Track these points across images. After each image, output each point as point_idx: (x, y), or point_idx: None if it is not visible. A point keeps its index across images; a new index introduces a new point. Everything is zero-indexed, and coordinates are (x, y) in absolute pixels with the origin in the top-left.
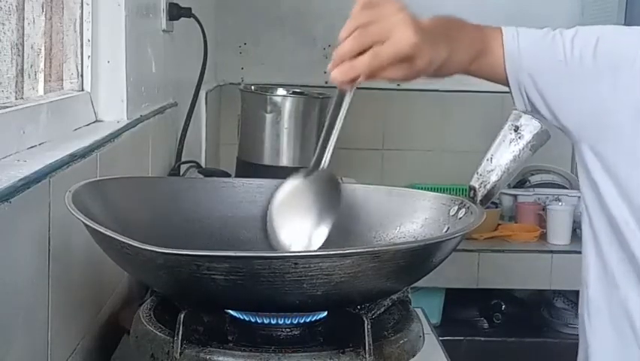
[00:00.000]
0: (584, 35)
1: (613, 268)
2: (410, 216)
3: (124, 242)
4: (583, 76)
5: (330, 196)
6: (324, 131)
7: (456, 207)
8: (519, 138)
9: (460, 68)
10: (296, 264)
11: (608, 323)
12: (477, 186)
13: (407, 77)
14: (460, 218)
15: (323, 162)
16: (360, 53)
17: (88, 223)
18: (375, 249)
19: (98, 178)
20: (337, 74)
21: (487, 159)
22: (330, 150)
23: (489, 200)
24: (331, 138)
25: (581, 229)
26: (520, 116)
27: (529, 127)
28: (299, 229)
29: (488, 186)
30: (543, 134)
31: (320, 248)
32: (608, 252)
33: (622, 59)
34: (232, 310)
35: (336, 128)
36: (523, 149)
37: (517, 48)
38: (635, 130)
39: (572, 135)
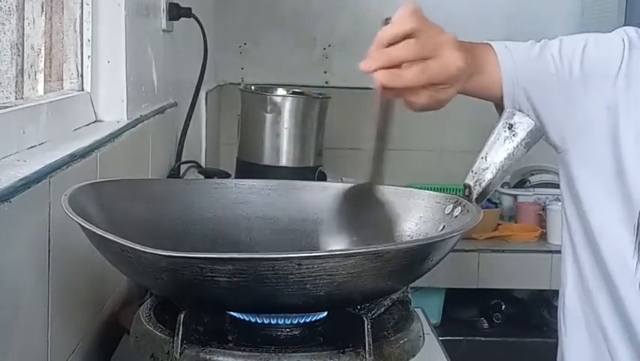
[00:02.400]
0: (570, 45)
1: (587, 273)
2: (405, 215)
3: (125, 245)
4: (573, 87)
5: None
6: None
7: (451, 206)
8: (513, 135)
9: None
10: (299, 265)
11: (584, 330)
12: (472, 184)
13: (431, 105)
14: (456, 216)
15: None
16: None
17: (87, 226)
18: (378, 248)
19: (92, 181)
20: (385, 78)
21: (482, 157)
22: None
23: (484, 198)
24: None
25: None
26: (514, 114)
27: (523, 125)
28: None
29: (483, 184)
30: (537, 131)
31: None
32: (583, 257)
33: (608, 67)
34: (234, 311)
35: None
36: (517, 146)
37: (512, 65)
38: (609, 140)
39: (558, 146)
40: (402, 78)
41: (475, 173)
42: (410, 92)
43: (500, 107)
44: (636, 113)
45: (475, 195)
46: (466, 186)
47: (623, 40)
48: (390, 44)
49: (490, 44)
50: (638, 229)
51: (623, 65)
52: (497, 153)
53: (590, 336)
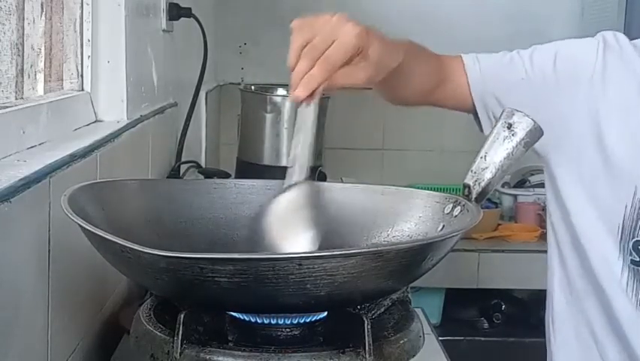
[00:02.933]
0: (542, 51)
1: (574, 277)
2: (404, 215)
3: (125, 246)
4: (545, 91)
5: (314, 206)
6: (298, 145)
7: (450, 205)
8: (512, 135)
9: (422, 93)
10: (300, 265)
11: (572, 335)
12: (471, 183)
13: (369, 77)
14: (456, 216)
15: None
16: None
17: (86, 227)
18: (379, 248)
19: (92, 181)
20: (299, 92)
21: (481, 157)
22: (307, 162)
23: (484, 197)
24: (306, 150)
25: None
26: (513, 114)
27: (522, 124)
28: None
29: (483, 184)
30: (536, 131)
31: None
32: (570, 263)
33: (580, 71)
34: (234, 311)
35: (307, 140)
36: (516, 146)
37: (479, 71)
38: (591, 142)
39: (538, 151)
40: (312, 79)
41: (475, 173)
42: (339, 79)
43: (479, 119)
44: (618, 116)
45: (474, 195)
46: (466, 186)
47: (598, 43)
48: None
49: (460, 56)
50: (622, 230)
51: (598, 68)
52: (496, 152)
53: (580, 341)
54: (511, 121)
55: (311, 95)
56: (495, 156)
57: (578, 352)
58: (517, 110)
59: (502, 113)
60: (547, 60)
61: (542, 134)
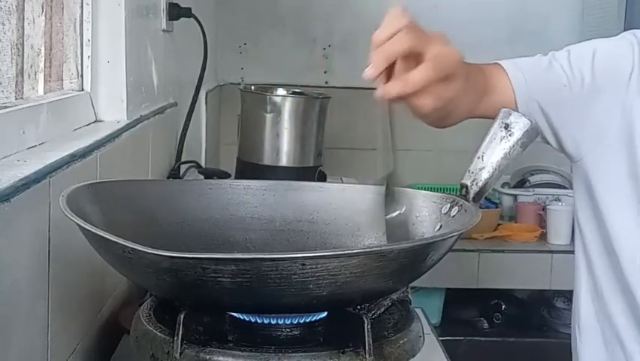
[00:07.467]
0: (579, 54)
1: (602, 283)
2: (402, 215)
3: (126, 246)
4: (586, 96)
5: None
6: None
7: (448, 205)
8: (509, 135)
9: (469, 110)
10: (303, 265)
11: (600, 340)
12: (469, 183)
13: (438, 109)
14: (454, 216)
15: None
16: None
17: (87, 227)
18: (381, 248)
19: (89, 181)
20: (392, 90)
21: (479, 157)
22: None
23: (481, 197)
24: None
25: None
26: (510, 114)
27: (519, 124)
28: None
29: (480, 184)
30: (533, 131)
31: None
32: (599, 268)
33: (619, 73)
34: (235, 312)
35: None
36: (513, 146)
37: (523, 78)
38: (625, 142)
39: (572, 156)
40: (411, 83)
41: (472, 173)
42: (416, 96)
43: None
44: None
45: (471, 195)
46: (463, 186)
47: (632, 43)
48: None
49: (498, 63)
50: None
51: (635, 69)
52: (494, 152)
53: (607, 347)
54: (508, 121)
55: (401, 98)
56: (492, 156)
57: (606, 358)
58: (514, 110)
59: (499, 113)
60: (585, 63)
61: (539, 134)
